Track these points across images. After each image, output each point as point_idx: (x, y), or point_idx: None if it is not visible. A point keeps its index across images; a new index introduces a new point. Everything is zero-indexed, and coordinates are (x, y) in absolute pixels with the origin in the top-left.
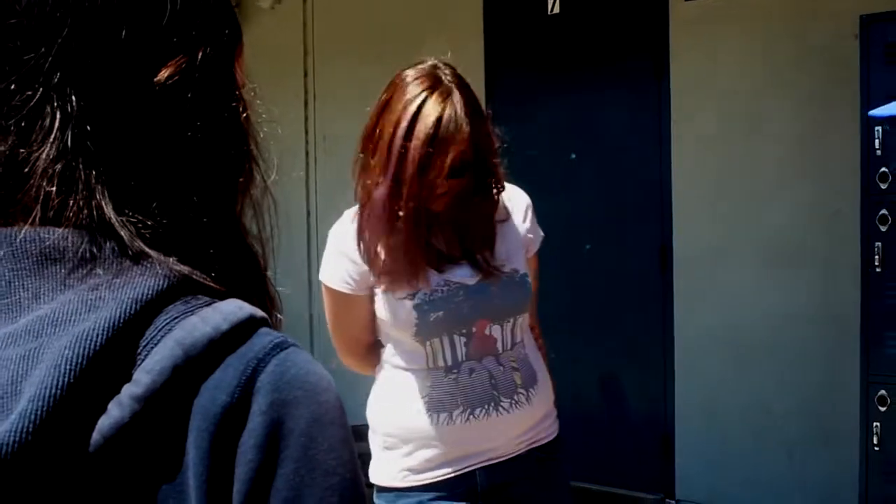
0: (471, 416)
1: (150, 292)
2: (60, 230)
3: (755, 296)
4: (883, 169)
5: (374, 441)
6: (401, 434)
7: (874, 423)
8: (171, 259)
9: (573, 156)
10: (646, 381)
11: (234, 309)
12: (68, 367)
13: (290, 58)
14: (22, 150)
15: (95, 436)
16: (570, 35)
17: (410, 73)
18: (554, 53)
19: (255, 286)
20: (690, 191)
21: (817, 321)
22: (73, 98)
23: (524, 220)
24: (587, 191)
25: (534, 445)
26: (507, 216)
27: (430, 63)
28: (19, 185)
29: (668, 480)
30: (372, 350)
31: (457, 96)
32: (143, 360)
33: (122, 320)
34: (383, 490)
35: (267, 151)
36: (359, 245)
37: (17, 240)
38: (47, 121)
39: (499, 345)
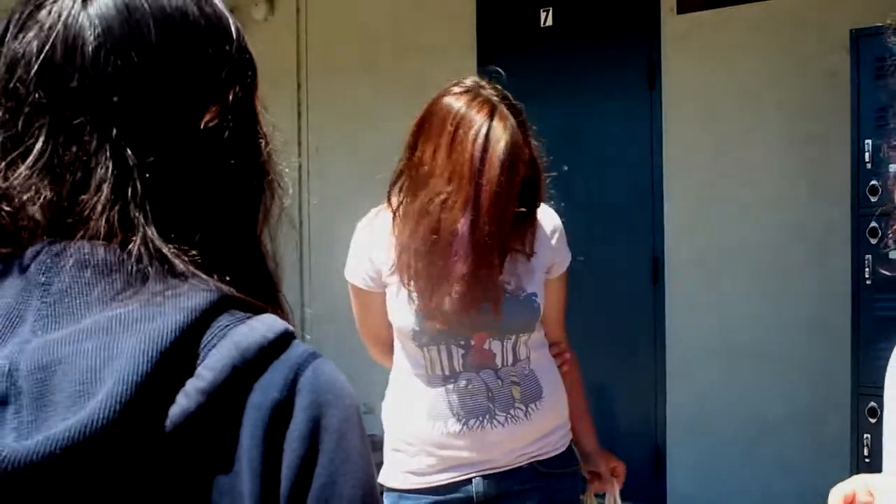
0: (465, 427)
1: (205, 303)
2: (121, 252)
3: (747, 306)
4: (873, 182)
5: (386, 442)
6: (404, 438)
7: (865, 435)
8: (214, 278)
9: (565, 167)
10: (637, 391)
11: (273, 322)
12: (144, 357)
13: (284, 69)
14: (81, 198)
15: (166, 423)
16: (563, 48)
17: (462, 99)
18: (547, 66)
19: (273, 303)
20: (682, 201)
21: (809, 332)
22: (128, 151)
23: (551, 241)
24: (579, 201)
25: (536, 459)
26: (533, 234)
27: (472, 82)
28: (76, 228)
29: (659, 491)
30: (393, 346)
31: (511, 119)
32: (203, 360)
33: (185, 324)
34: (389, 490)
35: (283, 178)
36: (408, 270)
37: (82, 251)
38: (102, 171)
39: (498, 360)
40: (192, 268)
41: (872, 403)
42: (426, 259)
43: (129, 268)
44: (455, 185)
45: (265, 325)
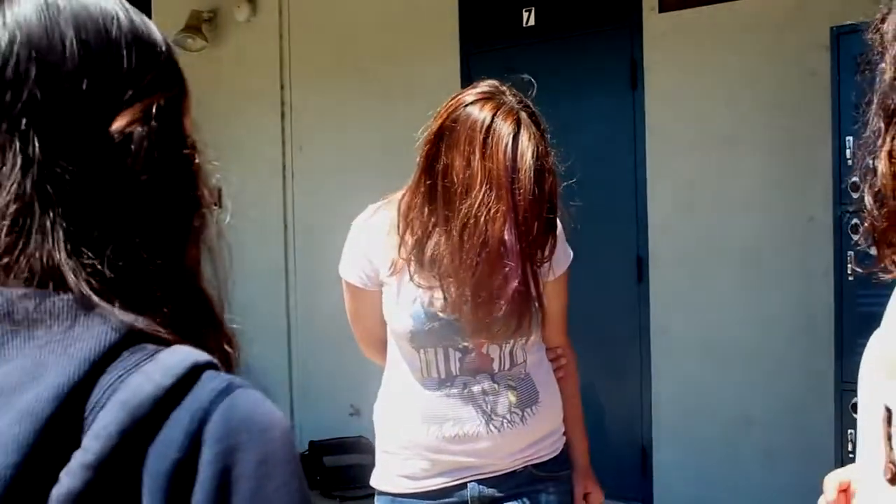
0: (460, 432)
1: (95, 352)
2: (8, 290)
3: (730, 304)
4: (854, 178)
5: (378, 444)
6: (397, 441)
7: (848, 430)
8: (117, 309)
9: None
10: (623, 389)
11: (177, 360)
12: (16, 445)
13: (267, 70)
14: None
15: None
16: (545, 47)
17: (486, 107)
18: (529, 66)
19: (209, 327)
20: (665, 200)
21: (793, 329)
22: (36, 143)
23: None
24: (563, 201)
25: (531, 463)
26: None
27: (491, 87)
28: None
29: (646, 489)
30: (385, 344)
31: (534, 128)
32: (90, 425)
33: (67, 387)
34: (381, 494)
35: (221, 196)
36: (456, 285)
37: None
38: (7, 166)
39: (495, 364)
40: (92, 294)
41: (856, 399)
42: (478, 273)
43: (22, 309)
44: (494, 194)
45: (161, 369)
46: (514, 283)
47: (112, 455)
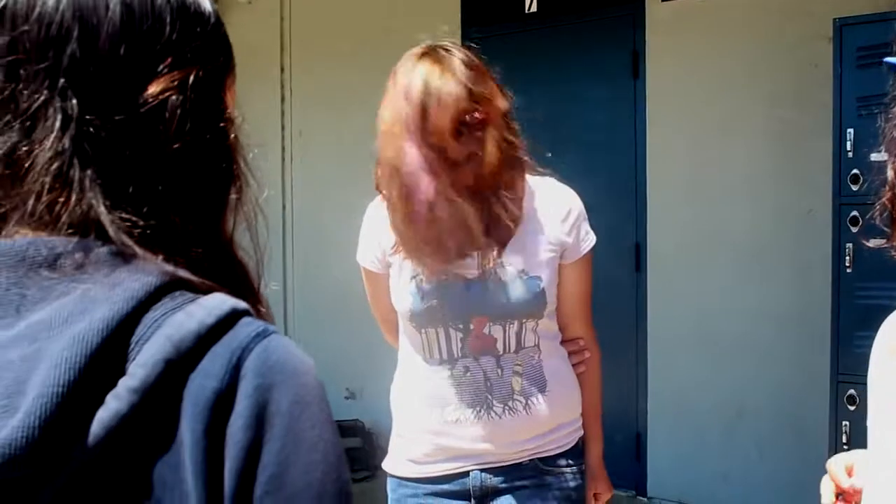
0: (461, 416)
1: (140, 292)
2: (53, 238)
3: (728, 294)
4: (854, 171)
5: (393, 427)
6: (406, 424)
7: (843, 422)
8: (158, 257)
9: (548, 154)
10: (618, 378)
11: (217, 303)
12: (68, 366)
13: (267, 54)
14: (24, 149)
15: (96, 427)
16: (548, 33)
17: (405, 55)
18: (531, 52)
19: (244, 292)
20: (665, 189)
21: (789, 320)
22: (74, 102)
23: (563, 221)
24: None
25: (537, 456)
26: (533, 212)
27: (426, 44)
28: (17, 182)
29: (640, 477)
30: None
31: (454, 58)
32: (135, 356)
33: (115, 320)
34: (391, 476)
35: (257, 171)
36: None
37: (13, 248)
38: (49, 122)
39: (499, 345)
40: (134, 243)
41: (852, 391)
42: (403, 208)
43: (67, 255)
44: (398, 130)
45: (205, 310)
46: (429, 199)
47: (156, 382)
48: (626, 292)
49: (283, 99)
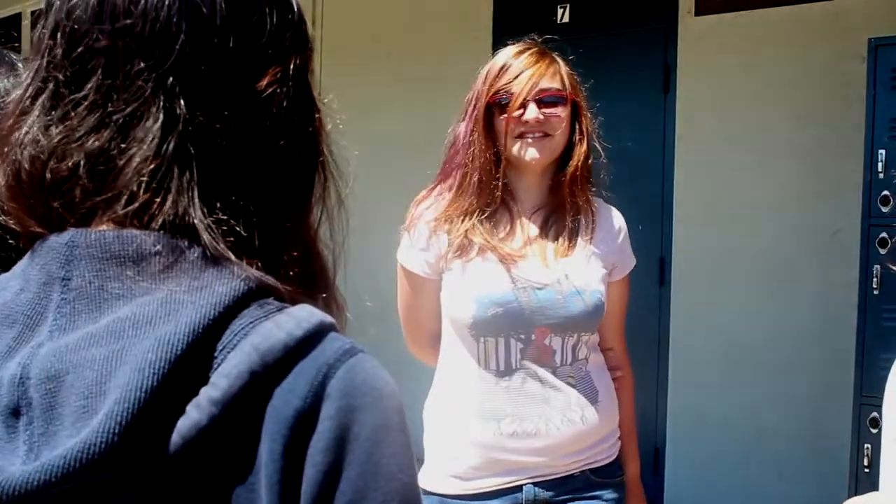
0: (519, 429)
1: (228, 298)
2: (143, 233)
3: (752, 311)
4: (885, 192)
5: (427, 443)
6: (450, 439)
7: (865, 445)
8: (246, 263)
9: (600, 160)
10: (639, 392)
11: (306, 315)
12: (152, 370)
13: None
14: (121, 146)
15: (175, 437)
16: (579, 45)
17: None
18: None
19: (323, 291)
20: (692, 204)
21: (813, 339)
22: (182, 101)
23: (616, 240)
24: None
25: (588, 467)
26: (595, 227)
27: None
28: (109, 180)
29: (657, 493)
30: (436, 340)
31: (539, 50)
32: (220, 364)
33: (202, 325)
34: (429, 494)
35: (343, 161)
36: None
37: (100, 240)
38: (150, 121)
39: (557, 358)
40: (223, 247)
41: (874, 413)
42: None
43: (156, 253)
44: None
45: (294, 321)
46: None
47: (239, 394)
48: (651, 306)
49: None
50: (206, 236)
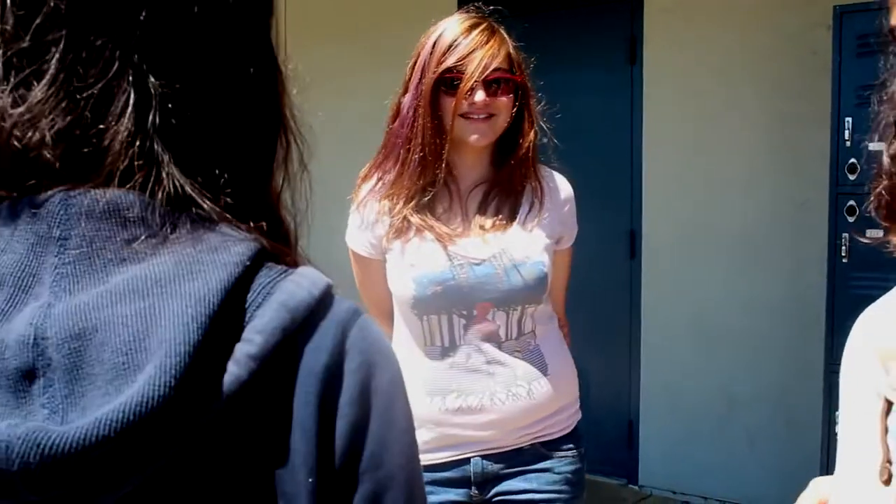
0: (464, 404)
1: (246, 256)
2: (142, 196)
3: (723, 283)
4: (852, 160)
5: None
6: None
7: (836, 413)
8: (245, 226)
9: (544, 139)
10: (611, 367)
11: (317, 275)
12: (196, 324)
13: None
14: (98, 127)
15: (220, 393)
16: (543, 17)
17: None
18: (526, 36)
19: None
20: (661, 177)
21: (784, 310)
22: (152, 77)
23: (562, 209)
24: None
25: (539, 440)
26: (543, 198)
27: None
28: (93, 162)
29: (631, 466)
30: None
31: (489, 27)
32: (250, 321)
33: (230, 282)
34: None
35: (304, 127)
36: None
37: (97, 200)
38: (124, 97)
39: (502, 332)
40: (221, 214)
41: None
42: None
43: (155, 215)
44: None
45: (310, 281)
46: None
47: (274, 350)
48: (621, 279)
49: None
50: (204, 203)
